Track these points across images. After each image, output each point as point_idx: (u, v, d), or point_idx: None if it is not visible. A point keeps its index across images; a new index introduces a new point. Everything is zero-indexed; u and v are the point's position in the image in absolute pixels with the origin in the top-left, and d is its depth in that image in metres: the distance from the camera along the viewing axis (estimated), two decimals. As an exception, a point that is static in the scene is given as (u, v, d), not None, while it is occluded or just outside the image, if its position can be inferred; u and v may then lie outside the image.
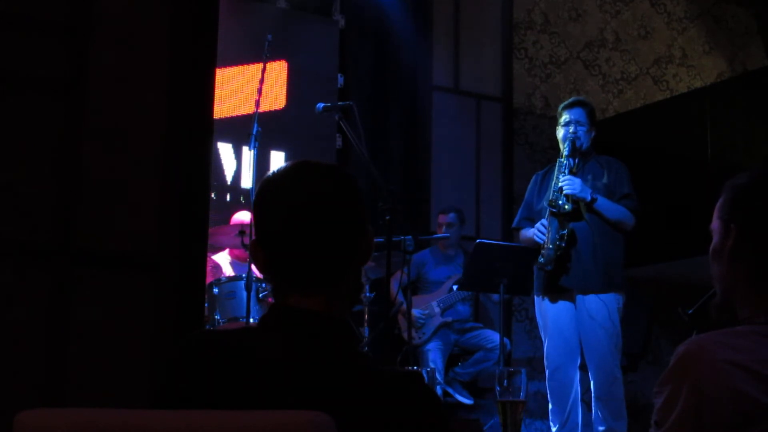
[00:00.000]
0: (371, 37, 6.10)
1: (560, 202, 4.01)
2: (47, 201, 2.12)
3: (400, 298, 4.99)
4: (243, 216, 4.79)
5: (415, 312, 5.31)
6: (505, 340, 5.06)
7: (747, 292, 1.49)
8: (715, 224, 1.55)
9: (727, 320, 1.52)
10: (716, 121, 5.70)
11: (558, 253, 3.99)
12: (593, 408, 4.08)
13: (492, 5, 6.70)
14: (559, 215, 4.02)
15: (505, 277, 4.52)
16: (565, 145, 4.13)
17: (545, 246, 4.03)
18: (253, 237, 1.42)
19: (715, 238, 1.55)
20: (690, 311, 3.00)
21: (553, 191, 4.06)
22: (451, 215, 5.57)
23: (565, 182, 4.02)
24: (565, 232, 4.00)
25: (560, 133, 4.20)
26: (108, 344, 2.13)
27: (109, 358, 2.13)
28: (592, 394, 4.08)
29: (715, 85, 6.80)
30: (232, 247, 4.82)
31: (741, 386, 1.34)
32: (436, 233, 5.64)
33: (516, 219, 4.41)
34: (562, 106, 4.27)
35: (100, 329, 2.13)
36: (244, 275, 4.25)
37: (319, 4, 6.02)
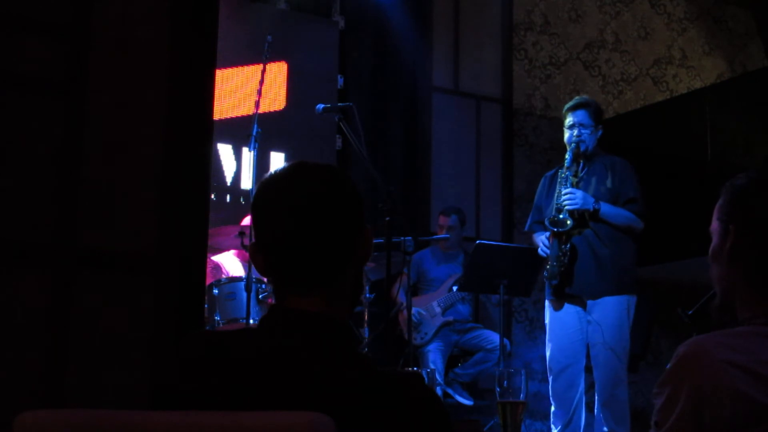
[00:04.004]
0: (371, 38, 6.10)
1: (561, 217, 4.01)
2: (47, 201, 2.12)
3: (401, 298, 4.99)
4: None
5: (413, 309, 5.30)
6: (505, 340, 5.06)
7: (747, 293, 1.49)
8: (714, 225, 1.55)
9: (728, 321, 1.52)
10: (716, 122, 5.70)
11: (561, 268, 4.01)
12: (596, 410, 4.08)
13: (492, 6, 6.71)
14: (559, 234, 4.02)
15: (505, 278, 4.52)
16: (567, 154, 4.13)
17: (549, 262, 4.05)
18: (253, 239, 1.42)
19: (715, 240, 1.55)
20: (690, 312, 3.01)
21: (554, 207, 4.06)
22: (453, 218, 5.55)
23: (566, 197, 4.01)
24: (567, 247, 4.02)
25: (565, 136, 4.20)
26: (108, 344, 2.13)
27: (109, 359, 2.13)
28: (596, 397, 4.08)
29: (715, 86, 6.80)
30: (231, 248, 4.82)
31: (741, 387, 1.34)
32: (436, 233, 5.64)
33: (528, 223, 4.43)
34: (566, 108, 4.25)
35: (100, 329, 2.13)
36: (244, 276, 4.25)
37: (319, 5, 6.02)
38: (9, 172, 2.11)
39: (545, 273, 4.09)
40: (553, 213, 4.04)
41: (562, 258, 4.01)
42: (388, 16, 6.05)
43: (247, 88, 5.55)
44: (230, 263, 4.82)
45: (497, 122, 6.67)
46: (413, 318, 5.28)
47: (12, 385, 2.03)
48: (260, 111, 4.28)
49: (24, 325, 2.07)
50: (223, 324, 4.28)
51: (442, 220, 5.61)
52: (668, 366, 1.41)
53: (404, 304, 4.80)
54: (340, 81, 5.97)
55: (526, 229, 4.48)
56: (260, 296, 4.24)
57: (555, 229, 4.01)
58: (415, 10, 6.20)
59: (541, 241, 4.12)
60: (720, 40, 7.51)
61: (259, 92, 4.27)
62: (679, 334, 5.62)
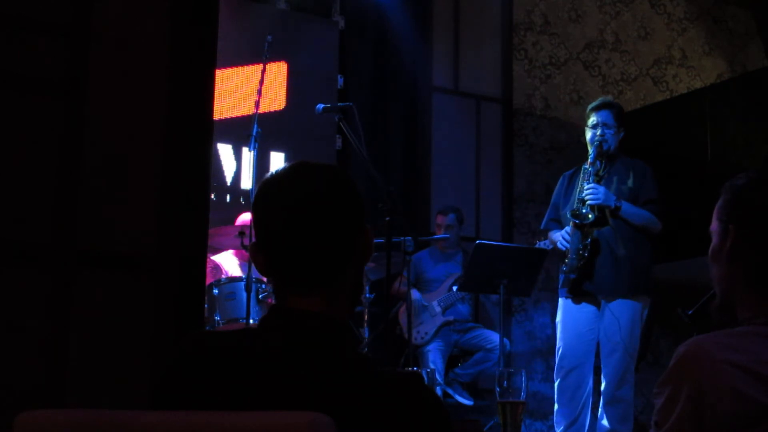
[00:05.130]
0: (371, 38, 6.10)
1: (583, 211, 4.04)
2: (47, 201, 2.12)
3: (403, 287, 4.99)
4: (247, 218, 4.79)
5: (414, 294, 5.30)
6: (505, 340, 5.06)
7: (747, 293, 1.49)
8: (714, 225, 1.55)
9: (728, 321, 1.52)
10: (716, 122, 5.69)
11: (581, 262, 4.03)
12: (600, 409, 4.09)
13: (492, 6, 6.71)
14: (581, 226, 4.04)
15: (505, 278, 4.52)
16: (590, 151, 4.17)
17: (568, 255, 4.07)
18: (253, 239, 1.42)
19: (714, 240, 1.55)
20: (690, 312, 3.01)
21: (576, 200, 4.08)
22: (451, 216, 5.56)
23: (589, 192, 4.04)
24: (588, 241, 4.04)
25: (588, 135, 4.23)
26: (108, 344, 2.13)
27: (109, 358, 2.13)
28: (602, 395, 4.09)
29: (714, 86, 6.79)
30: (231, 248, 4.82)
31: (741, 387, 1.34)
32: (435, 233, 5.64)
33: (544, 221, 4.46)
34: (589, 107, 4.31)
35: (100, 329, 2.13)
36: (244, 276, 4.25)
37: (319, 4, 6.02)
38: (9, 172, 2.11)
39: (564, 267, 4.12)
40: (576, 205, 4.07)
41: (582, 252, 4.03)
42: (388, 16, 6.05)
43: (246, 88, 5.55)
44: (228, 263, 4.82)
45: (497, 122, 6.67)
46: (415, 303, 5.28)
47: (12, 385, 2.03)
48: (260, 111, 4.27)
49: (24, 325, 2.07)
50: (223, 324, 4.28)
51: (439, 219, 5.62)
52: (668, 366, 1.41)
53: (405, 291, 4.79)
54: (340, 81, 5.97)
55: (542, 227, 4.50)
56: (260, 296, 4.23)
57: (577, 221, 4.04)
58: (415, 10, 6.20)
59: (561, 235, 4.15)
60: (720, 40, 7.51)
61: (259, 92, 4.26)
62: (679, 334, 5.62)
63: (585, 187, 4.07)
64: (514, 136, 6.63)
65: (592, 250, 4.04)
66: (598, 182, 4.12)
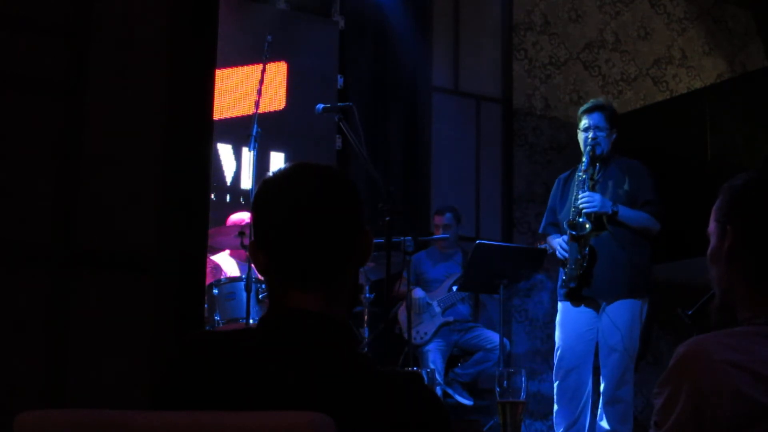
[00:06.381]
0: (371, 38, 6.10)
1: (580, 221, 4.01)
2: (47, 201, 2.12)
3: (403, 287, 4.99)
4: (239, 217, 4.79)
5: (418, 292, 5.30)
6: (505, 340, 5.06)
7: (746, 294, 1.49)
8: (712, 226, 1.55)
9: (728, 321, 1.52)
10: (716, 122, 5.70)
11: (581, 271, 4.02)
12: (600, 409, 4.09)
13: (492, 6, 6.71)
14: (578, 238, 4.03)
15: (505, 278, 4.52)
16: (584, 157, 4.13)
17: (567, 265, 4.06)
18: (253, 238, 1.43)
19: (713, 241, 1.55)
20: (690, 312, 3.00)
21: (572, 210, 4.06)
22: (448, 216, 5.57)
23: (584, 200, 4.01)
24: (586, 251, 4.03)
25: (580, 137, 4.20)
26: (108, 344, 2.13)
27: (109, 358, 2.13)
28: (601, 396, 4.09)
29: (714, 86, 6.80)
30: (231, 248, 4.82)
31: (741, 387, 1.34)
32: (434, 233, 5.65)
33: (542, 225, 4.44)
34: (581, 110, 4.25)
35: (100, 329, 2.13)
36: (243, 276, 4.25)
37: (319, 4, 6.02)
38: (9, 172, 2.11)
39: (562, 276, 4.10)
40: (572, 216, 4.04)
41: (581, 261, 4.02)
42: (388, 16, 6.05)
43: (246, 88, 5.55)
44: (225, 263, 4.82)
45: (497, 122, 6.67)
46: (419, 301, 5.28)
47: (12, 385, 2.03)
48: (260, 111, 4.27)
49: (24, 325, 2.07)
50: (223, 324, 4.28)
51: (437, 219, 5.62)
52: (668, 366, 1.41)
53: (405, 291, 4.79)
54: (340, 81, 5.97)
55: (540, 230, 4.49)
56: (260, 296, 4.23)
57: (574, 233, 4.02)
58: (415, 10, 6.20)
59: (558, 243, 4.14)
60: (720, 40, 7.51)
61: (259, 92, 4.27)
62: (679, 334, 5.62)
63: (580, 196, 4.04)
64: (514, 137, 6.63)
65: (591, 257, 4.03)
66: (593, 187, 4.09)
